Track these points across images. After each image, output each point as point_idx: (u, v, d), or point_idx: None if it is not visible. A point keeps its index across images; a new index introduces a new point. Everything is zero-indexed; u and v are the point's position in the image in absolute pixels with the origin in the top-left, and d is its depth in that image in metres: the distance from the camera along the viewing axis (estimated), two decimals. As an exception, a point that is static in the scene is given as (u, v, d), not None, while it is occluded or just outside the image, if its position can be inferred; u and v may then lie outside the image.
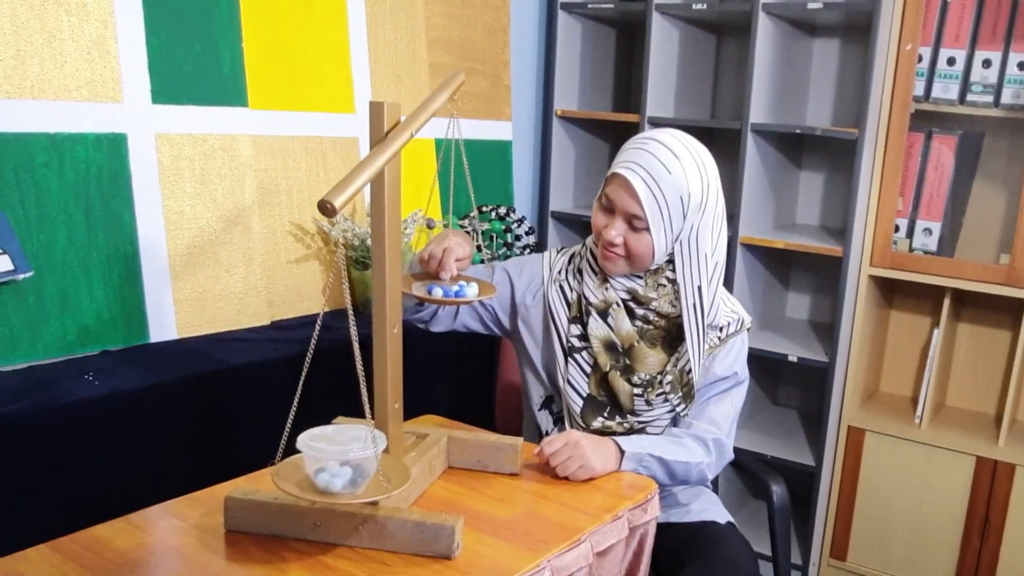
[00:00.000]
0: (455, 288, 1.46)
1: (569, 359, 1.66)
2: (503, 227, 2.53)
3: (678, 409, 1.65)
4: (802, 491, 2.73)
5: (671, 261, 1.59)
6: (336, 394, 1.52)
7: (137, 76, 1.83)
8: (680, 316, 1.60)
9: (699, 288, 1.58)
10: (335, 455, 1.16)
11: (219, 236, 1.98)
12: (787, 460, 2.68)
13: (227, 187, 1.99)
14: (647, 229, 1.53)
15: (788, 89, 2.77)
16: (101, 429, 1.55)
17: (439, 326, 1.73)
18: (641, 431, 1.66)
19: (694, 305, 1.58)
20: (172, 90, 1.89)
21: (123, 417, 1.58)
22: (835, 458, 2.66)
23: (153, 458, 1.64)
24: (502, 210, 2.58)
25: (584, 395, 1.65)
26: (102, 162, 1.78)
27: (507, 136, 2.82)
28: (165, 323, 1.89)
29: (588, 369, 1.65)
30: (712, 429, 1.65)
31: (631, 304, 1.62)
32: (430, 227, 2.33)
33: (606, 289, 1.63)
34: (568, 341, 1.66)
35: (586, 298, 1.65)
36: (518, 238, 2.56)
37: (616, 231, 1.55)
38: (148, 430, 1.63)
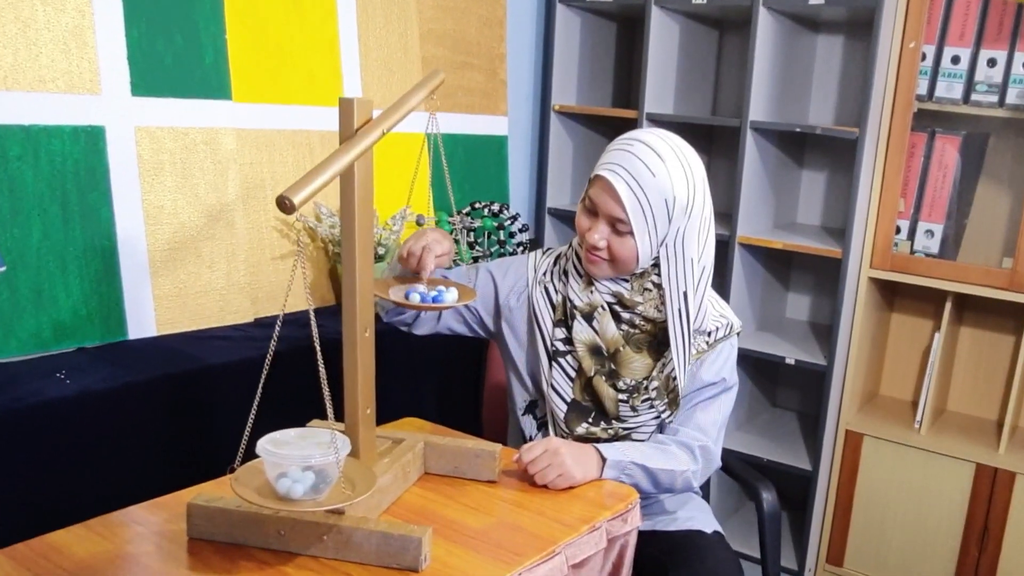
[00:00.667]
0: (433, 293, 1.42)
1: (553, 363, 1.61)
2: (496, 224, 2.48)
3: (663, 416, 1.60)
4: (799, 495, 2.69)
5: (657, 265, 1.54)
6: (314, 396, 1.47)
7: (116, 67, 1.79)
8: (666, 321, 1.55)
9: (684, 294, 1.54)
10: (295, 460, 1.12)
11: (201, 231, 1.94)
12: (783, 464, 2.63)
13: (210, 182, 1.95)
14: (631, 233, 1.49)
15: (789, 86, 2.72)
16: (69, 431, 1.51)
17: (422, 329, 1.69)
18: (626, 437, 1.62)
19: (680, 311, 1.53)
20: (152, 82, 1.85)
21: (93, 418, 1.54)
22: (832, 462, 2.61)
23: (124, 461, 1.60)
24: (495, 207, 2.53)
25: (568, 400, 1.61)
26: (79, 155, 1.74)
27: (503, 131, 2.77)
28: (144, 320, 1.85)
29: (572, 374, 1.61)
30: (699, 436, 1.61)
31: (616, 308, 1.57)
32: (420, 224, 2.29)
33: (591, 292, 1.59)
34: (552, 344, 1.61)
35: (571, 301, 1.60)
36: (511, 235, 2.52)
37: (599, 235, 1.51)
38: (119, 432, 1.59)
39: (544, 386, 1.63)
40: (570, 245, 1.67)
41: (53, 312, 1.72)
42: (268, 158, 2.08)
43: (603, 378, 1.59)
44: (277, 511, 1.16)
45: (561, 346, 1.61)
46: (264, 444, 1.13)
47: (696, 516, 1.69)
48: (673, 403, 1.59)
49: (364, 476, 1.19)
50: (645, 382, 1.58)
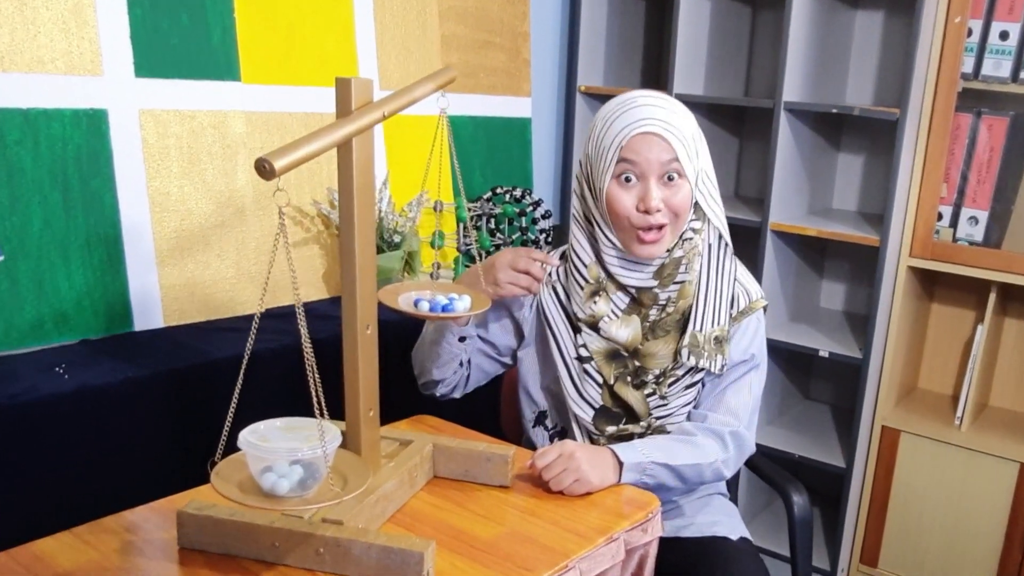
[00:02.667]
0: (443, 301, 1.33)
1: (573, 371, 1.53)
2: (517, 210, 2.39)
3: (714, 367, 1.50)
4: (832, 492, 2.59)
5: (680, 259, 1.46)
6: (325, 392, 1.40)
7: (119, 48, 1.72)
8: (698, 291, 1.48)
9: (720, 236, 1.50)
10: (280, 454, 1.03)
11: (209, 219, 1.88)
12: (816, 460, 2.53)
13: (218, 167, 1.88)
14: (682, 175, 1.42)
15: (826, 65, 2.59)
16: (64, 429, 1.45)
17: (460, 391, 1.64)
18: (660, 429, 1.53)
19: (719, 257, 1.50)
20: (157, 63, 1.78)
21: (90, 416, 1.48)
22: (867, 459, 2.50)
23: (122, 462, 1.54)
24: (517, 192, 2.44)
25: (597, 406, 1.53)
26: (80, 140, 1.68)
27: (526, 113, 2.68)
28: (150, 311, 1.79)
29: (600, 380, 1.52)
30: (730, 420, 1.51)
31: (641, 299, 1.49)
32: (437, 210, 2.20)
33: (594, 303, 1.50)
34: (571, 351, 1.53)
35: (575, 314, 1.52)
36: (534, 222, 2.43)
37: (655, 195, 1.41)
38: (118, 430, 1.52)
39: (565, 396, 1.54)
40: (564, 257, 1.56)
41: (55, 303, 1.66)
42: (279, 142, 2.00)
43: (626, 382, 1.51)
44: (273, 522, 1.09)
45: (584, 352, 1.52)
46: (246, 436, 1.04)
47: (721, 520, 1.59)
48: (719, 349, 1.50)
49: (358, 471, 1.11)
50: (672, 364, 1.50)
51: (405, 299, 1.34)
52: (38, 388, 1.45)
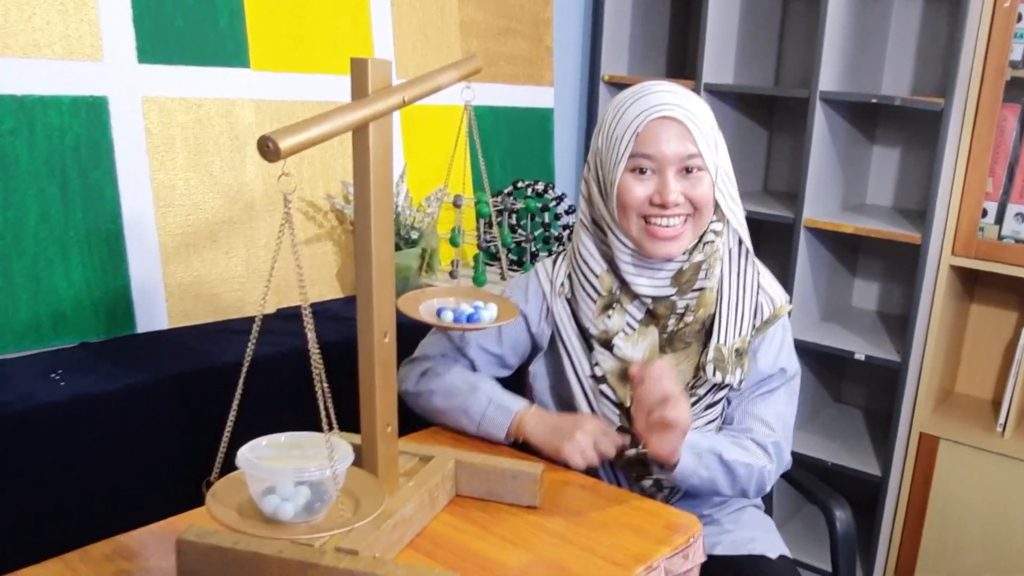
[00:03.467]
0: (468, 311, 1.22)
1: (587, 392, 1.42)
2: (540, 205, 2.28)
3: (734, 381, 1.38)
4: (866, 500, 2.47)
5: (700, 264, 1.35)
6: (339, 401, 1.30)
7: (120, 31, 1.62)
8: (719, 300, 1.36)
9: (740, 240, 1.38)
10: (283, 475, 0.93)
11: (217, 214, 1.77)
12: (851, 468, 2.42)
13: (226, 158, 1.78)
14: (703, 168, 1.30)
15: (862, 53, 2.47)
16: (60, 440, 1.35)
17: None
18: None
19: (739, 259, 1.39)
20: (161, 48, 1.68)
21: (87, 426, 1.38)
22: (903, 468, 2.39)
23: (120, 476, 1.43)
24: (540, 186, 2.33)
25: (615, 428, 1.42)
26: (79, 129, 1.58)
27: (548, 103, 2.57)
28: (154, 311, 1.69)
29: (615, 400, 1.40)
30: (769, 432, 1.40)
31: (656, 311, 1.37)
32: (457, 205, 2.10)
33: (608, 317, 1.38)
34: (587, 369, 1.41)
35: (586, 329, 1.40)
36: (557, 217, 2.32)
37: (673, 188, 1.28)
38: (116, 442, 1.42)
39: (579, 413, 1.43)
40: (572, 263, 1.43)
41: (53, 303, 1.56)
42: (291, 132, 1.90)
43: None
44: (281, 552, 0.99)
45: (599, 370, 1.41)
46: (246, 453, 0.94)
47: (758, 536, 1.49)
48: (740, 362, 1.38)
49: (371, 493, 1.00)
50: (693, 380, 1.39)
51: (426, 308, 1.24)
52: (32, 396, 1.35)
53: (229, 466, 0.97)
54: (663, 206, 1.28)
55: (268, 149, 0.84)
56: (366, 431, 1.12)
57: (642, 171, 1.30)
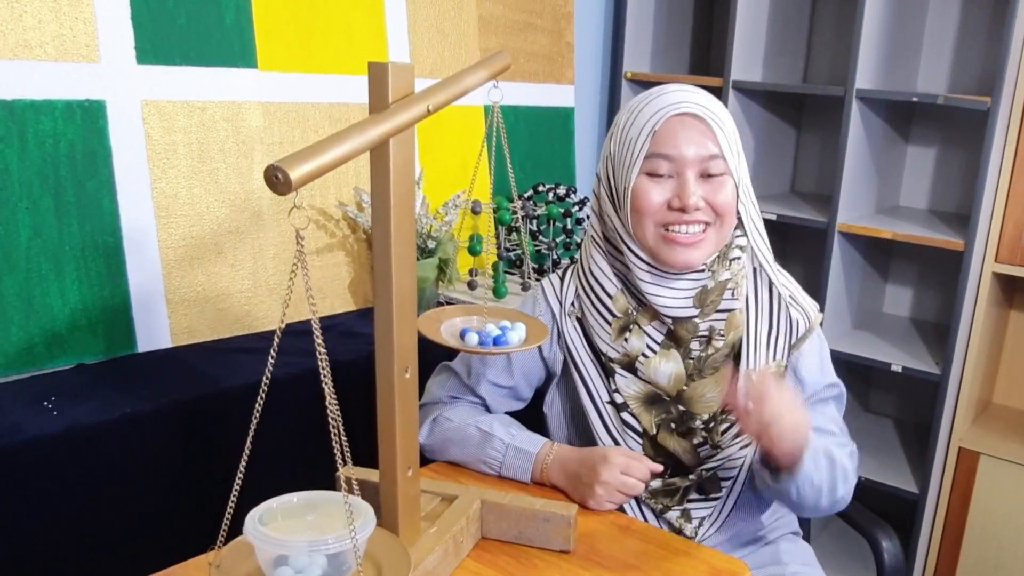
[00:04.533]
0: (495, 333, 1.11)
1: (606, 420, 1.30)
2: (561, 211, 2.17)
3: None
4: (902, 518, 2.36)
5: (726, 283, 1.24)
6: (353, 428, 1.19)
7: (118, 30, 1.51)
8: (747, 323, 1.25)
9: (764, 256, 1.27)
10: (296, 547, 0.82)
11: (222, 224, 1.67)
12: (886, 484, 2.31)
13: (232, 165, 1.68)
14: (727, 172, 1.19)
15: (898, 49, 2.35)
16: (50, 477, 1.24)
17: None
18: (712, 479, 1.31)
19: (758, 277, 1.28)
20: (162, 48, 1.57)
21: (80, 461, 1.27)
22: (941, 484, 2.28)
23: (116, 518, 1.32)
24: (561, 190, 2.22)
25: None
26: (74, 136, 1.48)
27: (569, 102, 2.45)
28: (156, 329, 1.59)
29: (640, 428, 1.29)
30: (843, 440, 1.28)
31: (678, 332, 1.25)
32: (476, 212, 1.99)
33: (625, 341, 1.26)
34: (604, 395, 1.30)
35: (604, 355, 1.29)
36: (579, 222, 2.21)
37: (693, 191, 1.17)
38: (111, 480, 1.31)
39: (600, 446, 1.32)
40: (581, 281, 1.32)
41: (47, 323, 1.46)
42: (300, 137, 1.79)
43: (670, 431, 1.29)
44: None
45: (618, 397, 1.29)
46: (254, 522, 0.84)
47: (800, 572, 1.38)
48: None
49: (395, 559, 0.90)
50: (726, 411, 1.28)
51: (449, 329, 1.13)
52: (22, 428, 1.25)
53: (238, 500, 0.86)
54: (682, 211, 1.17)
55: (277, 181, 0.74)
56: (385, 474, 1.01)
57: (659, 174, 1.18)
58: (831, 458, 1.22)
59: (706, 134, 1.17)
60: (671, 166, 1.17)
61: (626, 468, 1.22)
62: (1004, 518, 2.22)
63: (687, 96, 1.18)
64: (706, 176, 1.18)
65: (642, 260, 1.23)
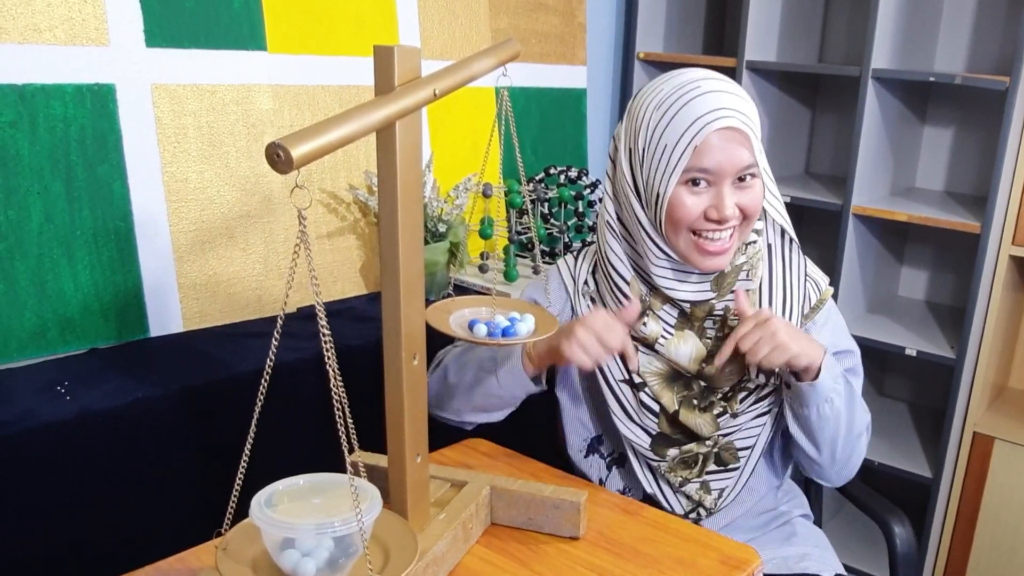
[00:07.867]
0: (504, 324, 1.10)
1: (622, 399, 1.31)
2: (573, 193, 2.16)
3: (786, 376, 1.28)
4: (915, 503, 2.36)
5: (741, 266, 1.26)
6: (362, 412, 1.19)
7: (127, 13, 1.51)
8: (762, 300, 1.28)
9: (783, 232, 1.30)
10: (303, 530, 0.83)
11: (233, 208, 1.67)
12: (899, 469, 2.30)
13: (242, 148, 1.67)
14: (757, 175, 1.21)
15: (915, 29, 2.32)
16: (64, 462, 1.25)
17: (495, 416, 1.38)
18: (728, 446, 1.32)
19: (785, 246, 1.31)
20: (171, 31, 1.56)
21: (93, 446, 1.27)
22: (955, 469, 2.27)
23: (129, 502, 1.33)
24: (573, 172, 2.20)
25: (654, 433, 1.31)
26: (84, 120, 1.47)
27: (581, 83, 2.43)
28: (168, 313, 1.60)
29: (656, 407, 1.30)
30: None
31: (693, 313, 1.26)
32: (486, 195, 1.98)
33: (644, 325, 1.26)
34: (619, 374, 1.30)
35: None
36: (590, 205, 2.19)
37: (729, 202, 1.18)
38: (124, 465, 1.31)
39: (616, 423, 1.32)
40: (599, 264, 1.32)
41: (59, 308, 1.47)
42: (311, 119, 1.78)
43: (692, 407, 1.28)
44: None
45: (636, 378, 1.29)
46: (261, 505, 0.84)
47: (811, 553, 1.38)
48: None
49: (402, 541, 0.90)
50: (744, 380, 1.28)
51: (457, 320, 1.13)
52: (36, 413, 1.25)
53: (247, 485, 0.86)
54: (719, 221, 1.18)
55: (278, 159, 0.73)
56: (394, 460, 1.01)
57: (696, 182, 1.18)
58: (849, 385, 1.27)
59: (744, 144, 1.17)
60: (710, 176, 1.18)
61: (602, 334, 1.19)
62: (1018, 503, 2.20)
63: (724, 101, 1.16)
64: (739, 181, 1.19)
65: (666, 256, 1.24)
